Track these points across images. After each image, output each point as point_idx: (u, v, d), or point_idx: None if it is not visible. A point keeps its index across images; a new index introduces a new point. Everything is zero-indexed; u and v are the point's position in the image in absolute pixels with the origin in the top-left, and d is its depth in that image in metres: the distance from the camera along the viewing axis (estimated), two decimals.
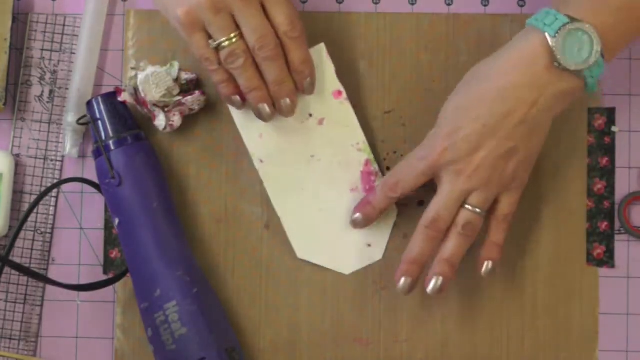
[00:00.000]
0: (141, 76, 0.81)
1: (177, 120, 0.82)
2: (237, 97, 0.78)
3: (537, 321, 0.84)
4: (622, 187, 0.84)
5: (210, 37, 0.75)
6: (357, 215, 0.80)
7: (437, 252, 0.77)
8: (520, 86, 0.73)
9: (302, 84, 0.78)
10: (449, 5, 0.86)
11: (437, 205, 0.76)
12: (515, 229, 0.84)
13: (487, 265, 0.78)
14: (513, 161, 0.75)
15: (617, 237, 0.84)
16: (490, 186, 0.75)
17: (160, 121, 0.82)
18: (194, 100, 0.82)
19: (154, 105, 0.81)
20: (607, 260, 0.84)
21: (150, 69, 0.81)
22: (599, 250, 0.84)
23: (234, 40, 0.75)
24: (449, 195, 0.76)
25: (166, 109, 0.82)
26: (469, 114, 0.74)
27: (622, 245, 0.84)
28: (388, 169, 0.84)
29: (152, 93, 0.81)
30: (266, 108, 0.77)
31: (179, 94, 0.82)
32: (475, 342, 0.84)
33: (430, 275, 0.77)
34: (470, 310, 0.84)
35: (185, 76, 0.83)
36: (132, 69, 0.83)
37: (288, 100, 0.78)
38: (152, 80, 0.81)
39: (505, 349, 0.84)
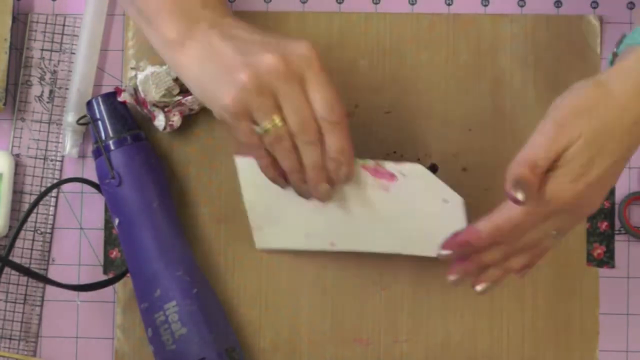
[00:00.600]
0: (141, 76, 0.81)
1: (177, 120, 0.82)
2: (282, 179, 0.74)
3: (537, 321, 0.84)
4: (622, 187, 0.84)
5: (254, 122, 0.71)
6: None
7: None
8: None
9: (336, 173, 0.72)
10: (449, 5, 0.86)
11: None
12: None
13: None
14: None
15: (617, 237, 0.84)
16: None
17: (160, 121, 0.82)
18: (194, 100, 0.82)
19: (154, 105, 0.81)
20: (607, 260, 0.84)
21: (150, 69, 0.81)
22: (599, 250, 0.84)
23: (279, 125, 0.70)
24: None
25: (166, 109, 0.82)
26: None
27: (622, 245, 0.84)
28: None
29: (152, 93, 0.81)
30: (307, 188, 0.74)
31: (179, 94, 0.82)
32: (475, 342, 0.84)
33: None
34: (470, 310, 0.84)
35: None
36: (132, 69, 0.83)
37: (325, 185, 0.73)
38: (151, 80, 0.81)
39: (505, 349, 0.84)
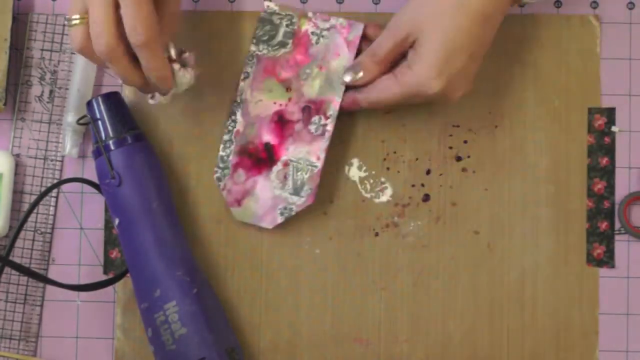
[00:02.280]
0: None
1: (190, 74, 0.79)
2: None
3: (537, 321, 0.84)
4: (622, 187, 0.84)
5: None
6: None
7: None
8: None
9: (158, 86, 0.75)
10: None
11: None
12: (516, 229, 0.84)
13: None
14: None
15: (617, 237, 0.84)
16: None
17: (181, 76, 0.78)
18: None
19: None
20: (607, 260, 0.84)
21: None
22: (599, 250, 0.84)
23: (76, 22, 0.73)
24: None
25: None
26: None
27: (622, 245, 0.84)
28: (388, 169, 0.84)
29: None
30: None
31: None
32: (475, 342, 0.84)
33: None
34: (470, 310, 0.84)
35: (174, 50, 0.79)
36: None
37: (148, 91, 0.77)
38: None
39: (505, 349, 0.84)
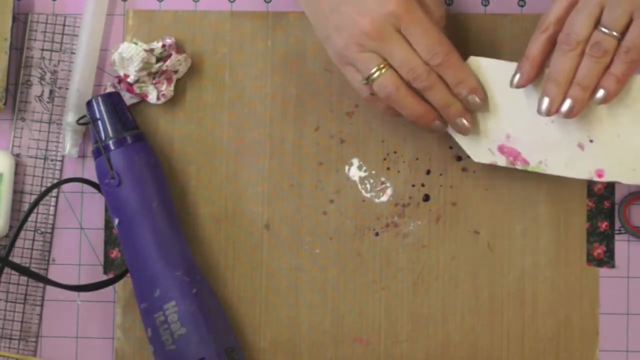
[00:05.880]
0: (115, 57, 0.81)
1: (166, 88, 0.83)
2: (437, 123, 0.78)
3: (537, 321, 0.84)
4: (622, 187, 0.84)
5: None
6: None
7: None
8: None
9: (468, 102, 0.76)
10: (449, 5, 0.86)
11: (571, 19, 0.73)
12: (516, 229, 0.84)
13: (598, 93, 0.73)
14: None
15: (617, 237, 0.84)
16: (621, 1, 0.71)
17: (152, 94, 0.82)
18: (173, 62, 0.82)
19: (139, 83, 0.82)
20: (607, 260, 0.84)
21: (121, 47, 0.81)
22: (599, 250, 0.84)
23: (383, 72, 0.74)
24: (582, 8, 0.72)
25: (154, 81, 0.82)
26: None
27: (622, 245, 0.84)
28: (388, 169, 0.84)
29: (131, 69, 0.81)
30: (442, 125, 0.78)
31: (158, 62, 0.82)
32: (475, 342, 0.84)
33: (563, 98, 0.74)
34: (470, 310, 0.84)
35: (157, 44, 0.83)
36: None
37: (463, 120, 0.76)
38: (125, 56, 0.81)
39: (505, 349, 0.84)
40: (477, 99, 0.76)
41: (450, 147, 0.84)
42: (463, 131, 0.77)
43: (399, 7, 0.72)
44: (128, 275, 0.82)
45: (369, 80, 0.75)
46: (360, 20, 0.73)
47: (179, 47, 0.84)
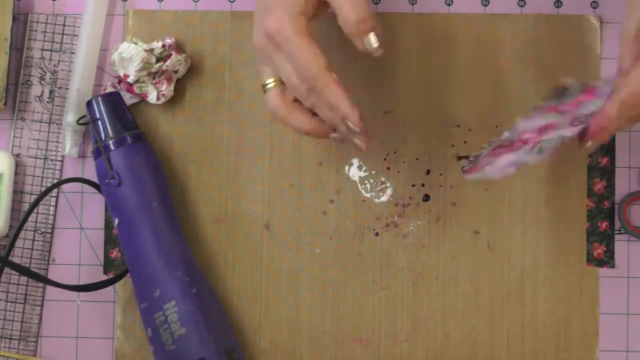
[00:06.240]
0: (115, 57, 0.81)
1: (166, 88, 0.83)
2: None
3: (537, 321, 0.84)
4: (622, 187, 0.84)
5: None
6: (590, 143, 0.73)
7: None
8: None
9: (344, 125, 0.72)
10: (449, 5, 0.86)
11: None
12: (516, 229, 0.84)
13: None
14: None
15: (617, 237, 0.84)
16: None
17: (152, 94, 0.82)
18: (173, 62, 0.82)
19: (139, 83, 0.82)
20: (607, 260, 0.84)
21: (121, 46, 0.81)
22: (599, 250, 0.84)
23: (273, 85, 0.74)
24: None
25: (154, 81, 0.82)
26: None
27: (622, 245, 0.84)
28: (388, 169, 0.84)
29: (131, 69, 0.81)
30: None
31: (157, 62, 0.82)
32: (475, 342, 0.84)
33: None
34: (470, 310, 0.84)
35: (157, 44, 0.83)
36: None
37: (355, 140, 0.73)
38: (125, 56, 0.81)
39: (505, 349, 0.84)
40: (351, 125, 0.71)
41: (451, 147, 0.84)
42: (359, 149, 0.73)
43: (270, 26, 0.70)
44: (128, 275, 0.82)
45: (264, 90, 0.74)
46: (254, 35, 0.72)
47: (179, 47, 0.84)
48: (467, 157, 0.77)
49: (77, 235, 0.85)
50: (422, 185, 0.84)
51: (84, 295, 0.85)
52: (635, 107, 0.69)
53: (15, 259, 0.85)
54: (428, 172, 0.84)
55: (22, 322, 0.84)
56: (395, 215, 0.84)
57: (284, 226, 0.84)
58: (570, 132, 0.73)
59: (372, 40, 0.71)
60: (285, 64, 0.71)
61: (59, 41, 0.86)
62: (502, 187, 0.84)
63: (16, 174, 0.85)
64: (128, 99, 0.84)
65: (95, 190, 0.84)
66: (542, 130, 0.75)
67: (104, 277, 0.84)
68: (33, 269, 0.83)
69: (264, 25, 0.70)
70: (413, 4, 0.86)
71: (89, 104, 0.81)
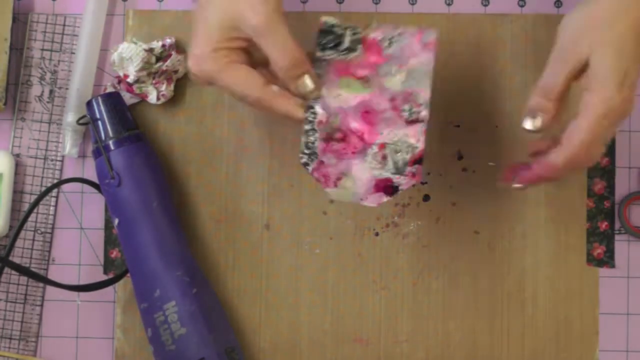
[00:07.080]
0: (115, 57, 0.82)
1: (165, 88, 0.83)
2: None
3: (537, 321, 0.84)
4: (622, 187, 0.84)
5: None
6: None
7: None
8: None
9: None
10: (449, 5, 0.86)
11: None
12: (516, 229, 0.84)
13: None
14: None
15: (617, 237, 0.84)
16: None
17: (151, 94, 0.82)
18: (173, 62, 0.82)
19: (139, 83, 0.82)
20: (607, 260, 0.84)
21: (121, 46, 0.82)
22: (599, 250, 0.84)
23: None
24: None
25: (153, 81, 0.82)
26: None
27: (622, 245, 0.84)
28: None
29: (131, 69, 0.81)
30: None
31: (158, 62, 0.82)
32: (475, 342, 0.84)
33: None
34: (470, 310, 0.84)
35: (157, 44, 0.83)
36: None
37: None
38: (125, 56, 0.81)
39: (505, 349, 0.84)
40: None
41: (451, 147, 0.84)
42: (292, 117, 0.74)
43: (191, 67, 0.71)
44: (128, 275, 0.82)
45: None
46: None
47: (179, 47, 0.84)
48: (303, 152, 0.77)
49: (77, 235, 0.85)
50: (422, 184, 0.84)
51: (84, 295, 0.85)
52: (582, 162, 0.70)
53: (15, 259, 0.85)
54: (428, 172, 0.84)
55: (22, 322, 0.84)
56: (396, 215, 0.84)
57: (284, 226, 0.84)
58: (415, 139, 0.74)
59: (308, 83, 0.72)
60: (225, 90, 0.72)
61: (59, 41, 0.86)
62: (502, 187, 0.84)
63: (16, 174, 0.85)
64: (128, 99, 0.84)
65: (95, 190, 0.84)
66: (365, 114, 0.76)
67: (104, 277, 0.84)
68: (33, 269, 0.83)
69: (187, 65, 0.71)
70: (413, 4, 0.86)
71: (89, 104, 0.81)
